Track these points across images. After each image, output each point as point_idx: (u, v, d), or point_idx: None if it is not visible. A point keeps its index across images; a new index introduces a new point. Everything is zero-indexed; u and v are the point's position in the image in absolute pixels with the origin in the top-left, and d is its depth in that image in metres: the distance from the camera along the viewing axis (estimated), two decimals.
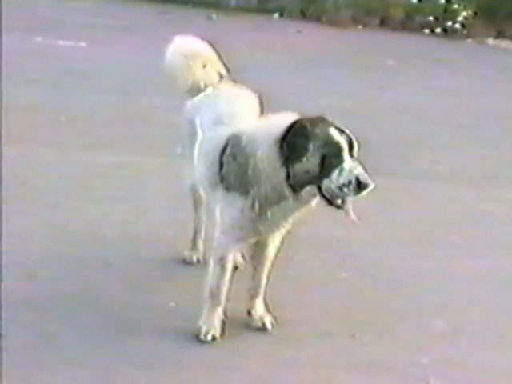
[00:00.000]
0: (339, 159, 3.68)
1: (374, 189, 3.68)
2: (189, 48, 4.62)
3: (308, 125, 3.72)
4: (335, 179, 3.68)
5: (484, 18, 13.50)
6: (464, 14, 13.40)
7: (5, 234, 4.70)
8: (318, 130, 3.70)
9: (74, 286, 4.46)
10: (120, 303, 4.34)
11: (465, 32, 13.39)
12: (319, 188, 3.74)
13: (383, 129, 7.84)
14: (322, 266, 4.95)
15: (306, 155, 3.68)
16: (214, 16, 12.81)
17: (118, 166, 6.20)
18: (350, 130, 3.79)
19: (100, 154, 6.42)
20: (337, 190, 3.69)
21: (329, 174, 3.69)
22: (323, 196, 3.75)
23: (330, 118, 3.82)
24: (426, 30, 13.36)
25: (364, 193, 3.67)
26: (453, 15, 13.43)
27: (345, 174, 3.67)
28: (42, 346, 3.90)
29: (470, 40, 13.32)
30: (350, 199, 3.74)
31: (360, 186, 3.65)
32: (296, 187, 3.77)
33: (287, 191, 3.78)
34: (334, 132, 3.71)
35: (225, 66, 4.64)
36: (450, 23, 13.36)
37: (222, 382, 3.78)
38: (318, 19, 13.34)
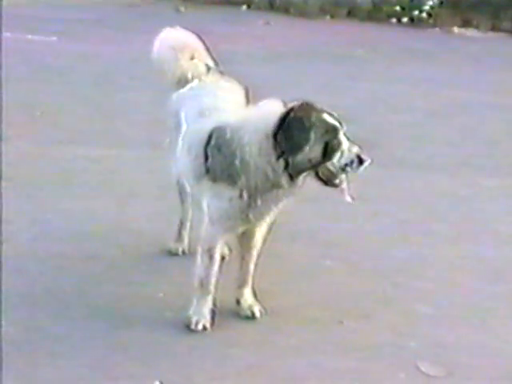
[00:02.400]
0: (339, 142, 3.82)
1: (372, 163, 3.86)
2: (176, 40, 4.64)
3: (303, 116, 3.79)
4: (337, 161, 3.83)
5: (450, 7, 13.64)
6: (430, 3, 13.51)
7: None
8: (313, 120, 3.79)
9: (61, 280, 4.48)
10: (109, 296, 4.37)
11: (431, 21, 13.51)
12: (316, 171, 3.85)
13: (356, 118, 7.83)
14: (306, 255, 5.01)
15: (307, 145, 3.76)
16: (182, 8, 12.82)
17: (98, 160, 6.22)
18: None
19: (79, 148, 6.43)
20: (339, 171, 3.84)
21: (331, 158, 3.82)
22: (320, 178, 3.87)
23: (314, 103, 3.89)
24: (393, 20, 13.46)
25: (362, 168, 3.85)
26: (419, 5, 13.54)
27: (346, 154, 3.83)
28: (35, 339, 3.93)
29: (436, 29, 13.44)
30: (345, 179, 3.89)
31: (361, 162, 3.82)
32: (294, 175, 3.85)
33: (284, 180, 3.85)
34: (327, 117, 3.81)
35: (212, 57, 4.67)
36: (416, 12, 13.47)
37: (214, 371, 3.83)
38: (285, 10, 13.39)
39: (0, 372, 3.64)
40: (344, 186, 3.94)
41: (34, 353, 3.83)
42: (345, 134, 3.86)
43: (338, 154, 3.82)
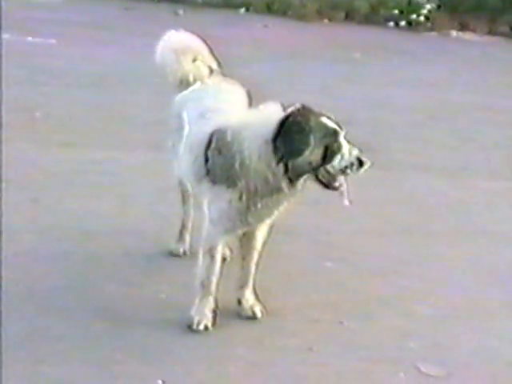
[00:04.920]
0: (339, 145, 3.85)
1: (371, 165, 3.91)
2: (179, 42, 4.68)
3: (302, 120, 3.82)
4: (337, 164, 3.85)
5: (447, 10, 13.71)
6: (428, 7, 13.59)
7: None
8: (313, 123, 3.82)
9: (64, 281, 4.50)
10: (111, 296, 4.39)
11: (429, 25, 13.58)
12: (316, 174, 3.88)
13: (355, 121, 7.85)
14: (306, 256, 5.05)
15: (307, 149, 3.79)
16: (180, 11, 12.85)
17: (99, 162, 6.24)
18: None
19: (79, 150, 6.46)
20: (339, 173, 3.87)
21: (331, 161, 3.85)
22: (320, 181, 3.90)
23: (312, 106, 3.93)
24: (391, 23, 13.52)
25: (362, 170, 3.88)
26: (416, 8, 13.60)
27: (346, 157, 3.86)
28: (38, 339, 3.95)
29: (434, 32, 13.51)
30: (344, 182, 3.92)
31: (361, 164, 3.85)
32: (294, 178, 3.88)
33: (284, 184, 3.88)
34: (327, 120, 3.84)
35: (216, 60, 4.71)
36: (414, 16, 13.54)
37: (216, 371, 3.85)
38: (283, 13, 13.44)
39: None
40: (343, 188, 3.97)
41: (37, 352, 3.85)
42: (344, 137, 3.90)
43: (338, 157, 3.85)
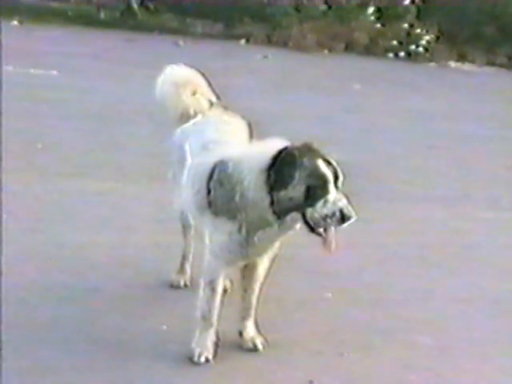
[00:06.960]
0: (324, 191, 3.79)
1: (357, 220, 3.80)
2: (178, 76, 4.73)
3: (296, 153, 3.83)
4: (319, 209, 3.79)
5: (446, 41, 13.80)
6: (427, 38, 13.68)
7: None
8: (305, 160, 3.81)
9: (64, 312, 4.50)
10: (112, 328, 4.39)
11: (428, 55, 13.67)
12: (303, 214, 3.84)
13: (355, 152, 7.96)
14: (307, 286, 5.05)
15: (291, 183, 3.79)
16: (181, 42, 12.93)
17: (99, 193, 6.26)
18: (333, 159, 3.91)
19: (80, 181, 6.48)
20: (320, 220, 3.80)
21: (313, 204, 3.80)
22: (306, 223, 3.85)
23: (317, 146, 3.91)
24: (390, 54, 13.60)
25: (346, 224, 3.79)
26: (416, 39, 13.70)
27: (329, 205, 3.78)
28: (39, 371, 3.94)
29: (432, 63, 13.59)
30: (332, 229, 3.84)
31: (343, 218, 3.78)
32: (280, 213, 3.87)
33: (271, 217, 3.88)
34: (320, 163, 3.83)
35: (215, 93, 4.75)
36: (413, 47, 13.62)
37: None
38: (284, 44, 13.52)
39: None
40: (329, 237, 3.85)
41: None
42: (337, 186, 3.81)
43: (320, 202, 3.78)
